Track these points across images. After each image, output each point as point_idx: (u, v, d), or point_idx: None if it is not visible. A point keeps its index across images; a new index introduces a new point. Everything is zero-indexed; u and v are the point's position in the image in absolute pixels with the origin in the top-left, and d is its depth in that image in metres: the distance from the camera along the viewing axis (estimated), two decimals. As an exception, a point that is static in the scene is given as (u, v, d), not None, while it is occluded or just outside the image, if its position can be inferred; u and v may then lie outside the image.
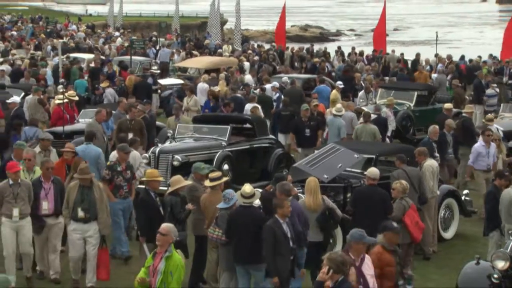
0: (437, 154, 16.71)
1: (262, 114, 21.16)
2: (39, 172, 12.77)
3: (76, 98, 21.73)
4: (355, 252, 9.25)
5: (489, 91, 25.76)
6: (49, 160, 13.00)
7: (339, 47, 42.47)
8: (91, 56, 32.87)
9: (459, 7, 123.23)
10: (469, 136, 18.68)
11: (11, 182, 12.09)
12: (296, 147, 19.58)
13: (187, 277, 12.23)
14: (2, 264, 12.26)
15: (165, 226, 9.51)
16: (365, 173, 13.34)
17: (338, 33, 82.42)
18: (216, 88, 24.21)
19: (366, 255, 9.42)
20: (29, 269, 12.31)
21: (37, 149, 14.66)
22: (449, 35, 76.94)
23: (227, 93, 23.01)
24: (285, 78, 25.91)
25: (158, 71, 28.34)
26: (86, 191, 12.06)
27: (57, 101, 20.80)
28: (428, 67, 33.19)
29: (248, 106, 21.37)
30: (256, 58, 33.99)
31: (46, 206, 12.34)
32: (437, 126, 17.22)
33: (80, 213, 12.01)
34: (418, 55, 34.78)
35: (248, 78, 27.00)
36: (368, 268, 9.32)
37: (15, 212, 11.97)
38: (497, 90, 25.80)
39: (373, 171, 13.09)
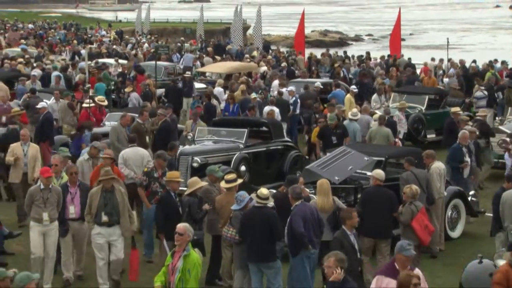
0: (467, 159, 16.39)
1: (279, 117, 21.22)
2: (66, 178, 12.71)
3: (105, 103, 21.83)
4: (400, 264, 8.91)
5: (477, 94, 25.73)
6: (73, 166, 12.93)
7: (344, 52, 42.35)
8: (119, 61, 33.10)
9: (473, 13, 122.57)
10: (486, 138, 18.73)
11: (42, 186, 12.03)
12: (320, 151, 19.38)
13: (204, 274, 12.36)
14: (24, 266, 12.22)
15: (182, 226, 9.56)
16: (371, 174, 13.36)
17: (357, 38, 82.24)
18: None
19: (417, 269, 9.04)
20: (48, 281, 12.15)
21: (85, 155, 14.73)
22: (464, 40, 76.55)
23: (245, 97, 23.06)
24: (317, 83, 25.86)
25: (189, 75, 28.12)
26: (108, 195, 11.94)
27: (85, 105, 20.98)
28: (441, 72, 33.04)
29: (267, 108, 21.48)
30: (284, 64, 33.83)
31: (72, 210, 12.29)
32: (466, 132, 16.87)
33: (104, 218, 11.90)
34: (441, 60, 34.45)
35: (275, 83, 26.95)
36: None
37: (45, 216, 11.91)
38: (485, 92, 25.67)
39: (379, 172, 13.14)
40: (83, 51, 34.91)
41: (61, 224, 12.22)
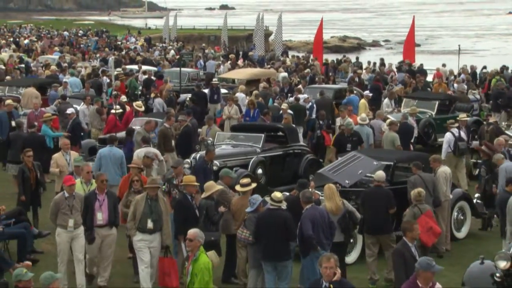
0: None
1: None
2: (95, 185, 12.56)
3: (142, 108, 21.88)
4: (423, 280, 8.50)
5: (469, 97, 25.70)
6: (103, 173, 12.81)
7: (357, 58, 42.26)
8: (144, 67, 33.31)
9: (487, 19, 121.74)
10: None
11: (66, 194, 12.01)
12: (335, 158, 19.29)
13: (220, 273, 12.45)
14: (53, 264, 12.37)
15: (192, 231, 9.56)
16: (372, 175, 13.43)
17: (374, 44, 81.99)
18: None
19: (437, 283, 8.66)
20: (82, 284, 12.09)
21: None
22: (476, 45, 76.04)
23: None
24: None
25: (216, 82, 28.07)
26: (153, 203, 11.86)
27: (113, 111, 21.13)
28: (452, 77, 32.87)
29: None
30: (307, 70, 33.74)
31: (100, 217, 12.15)
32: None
33: (150, 224, 11.78)
34: (462, 68, 34.28)
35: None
36: None
37: (70, 222, 11.88)
38: (477, 96, 25.69)
39: (378, 173, 13.26)
40: (109, 58, 35.15)
41: (88, 231, 12.09)
